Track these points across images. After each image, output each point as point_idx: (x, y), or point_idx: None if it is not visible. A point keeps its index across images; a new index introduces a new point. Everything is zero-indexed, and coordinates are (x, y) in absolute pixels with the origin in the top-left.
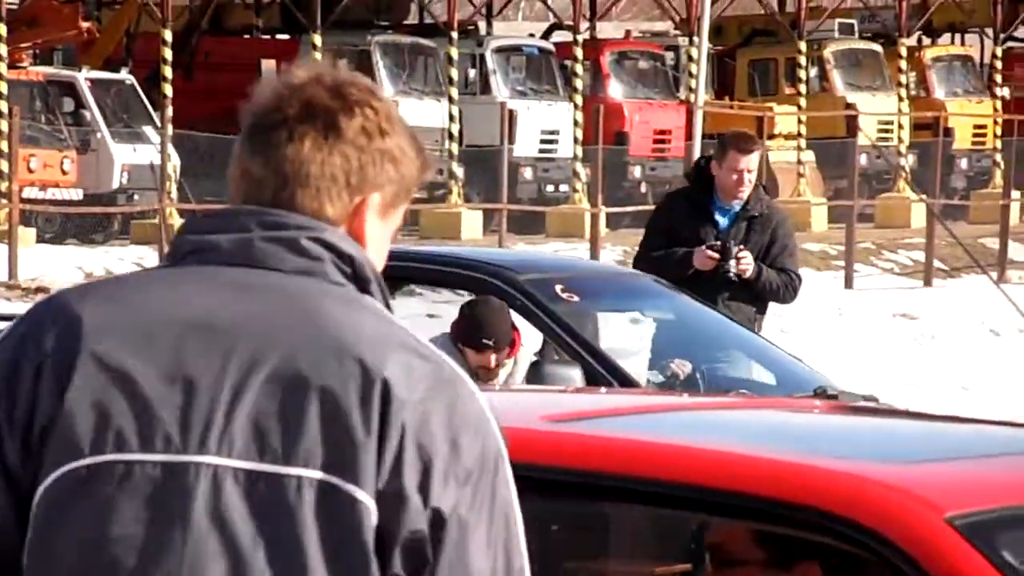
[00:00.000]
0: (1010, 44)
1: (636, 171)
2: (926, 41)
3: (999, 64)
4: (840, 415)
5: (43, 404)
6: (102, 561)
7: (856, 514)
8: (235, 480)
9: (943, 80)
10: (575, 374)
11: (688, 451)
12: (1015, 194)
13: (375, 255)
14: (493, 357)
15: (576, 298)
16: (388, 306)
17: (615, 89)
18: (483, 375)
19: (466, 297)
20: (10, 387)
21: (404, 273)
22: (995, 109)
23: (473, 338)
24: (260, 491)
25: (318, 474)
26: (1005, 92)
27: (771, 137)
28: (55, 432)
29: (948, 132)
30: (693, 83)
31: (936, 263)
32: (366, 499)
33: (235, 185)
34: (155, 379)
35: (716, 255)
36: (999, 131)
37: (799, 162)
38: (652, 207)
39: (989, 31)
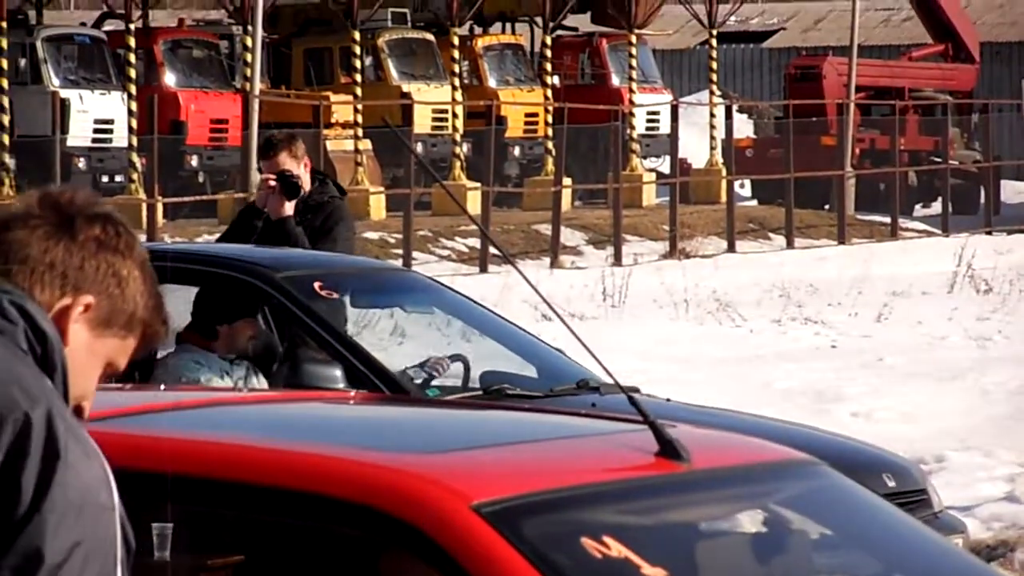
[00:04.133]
0: (559, 32)
1: (194, 160)
2: (478, 30)
3: (549, 52)
4: (377, 407)
5: None
6: None
7: (384, 503)
8: None
9: (495, 69)
10: (336, 373)
11: (224, 447)
12: (567, 180)
13: (76, 369)
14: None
15: (335, 295)
16: (66, 399)
17: (170, 78)
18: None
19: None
20: None
21: (157, 272)
22: (546, 97)
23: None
24: None
25: None
26: (555, 80)
27: (328, 126)
28: None
29: (501, 120)
30: (248, 72)
31: (491, 250)
32: None
33: None
34: None
35: (274, 182)
36: (550, 119)
37: (357, 151)
38: (211, 196)
39: (539, 20)
